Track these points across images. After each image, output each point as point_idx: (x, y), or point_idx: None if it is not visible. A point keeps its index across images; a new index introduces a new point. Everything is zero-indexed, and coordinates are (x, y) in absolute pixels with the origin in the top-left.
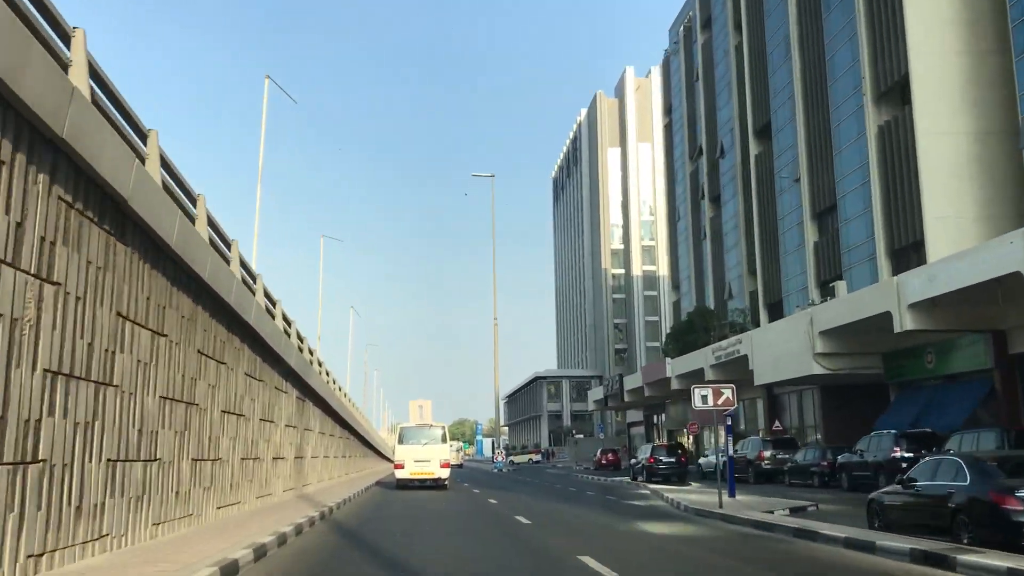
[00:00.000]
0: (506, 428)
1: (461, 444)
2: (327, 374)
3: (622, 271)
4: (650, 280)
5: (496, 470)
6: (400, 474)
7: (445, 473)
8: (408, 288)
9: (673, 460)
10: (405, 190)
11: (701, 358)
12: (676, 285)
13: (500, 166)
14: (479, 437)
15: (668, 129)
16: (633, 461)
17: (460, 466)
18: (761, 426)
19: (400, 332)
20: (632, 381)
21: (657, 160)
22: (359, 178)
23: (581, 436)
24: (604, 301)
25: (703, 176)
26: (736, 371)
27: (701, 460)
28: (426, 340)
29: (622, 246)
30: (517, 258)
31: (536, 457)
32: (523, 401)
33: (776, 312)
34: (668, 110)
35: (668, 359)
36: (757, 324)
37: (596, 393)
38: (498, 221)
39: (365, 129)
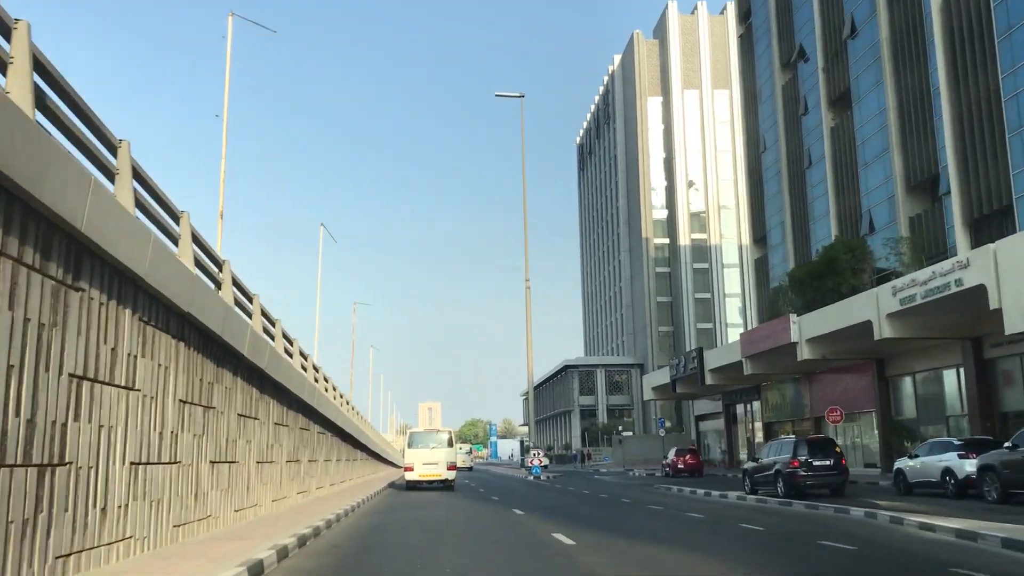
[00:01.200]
0: (526, 428)
1: (471, 446)
2: (340, 396)
3: (666, 240)
4: (700, 251)
5: (533, 477)
6: (410, 476)
7: (452, 475)
8: (416, 287)
9: (830, 463)
10: (408, 186)
11: (866, 306)
12: (760, 238)
13: (512, 141)
14: (493, 439)
15: (746, 38)
16: (750, 465)
17: (470, 469)
18: (959, 409)
19: (408, 333)
20: (717, 357)
21: (710, 109)
22: (362, 167)
23: (629, 434)
24: (645, 276)
25: (806, 83)
26: (943, 318)
27: (905, 464)
28: (435, 341)
29: (666, 212)
30: (535, 242)
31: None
32: (548, 396)
33: (993, 226)
34: (745, 16)
35: (793, 316)
36: (934, 257)
37: (655, 378)
38: (511, 200)
39: (371, 104)
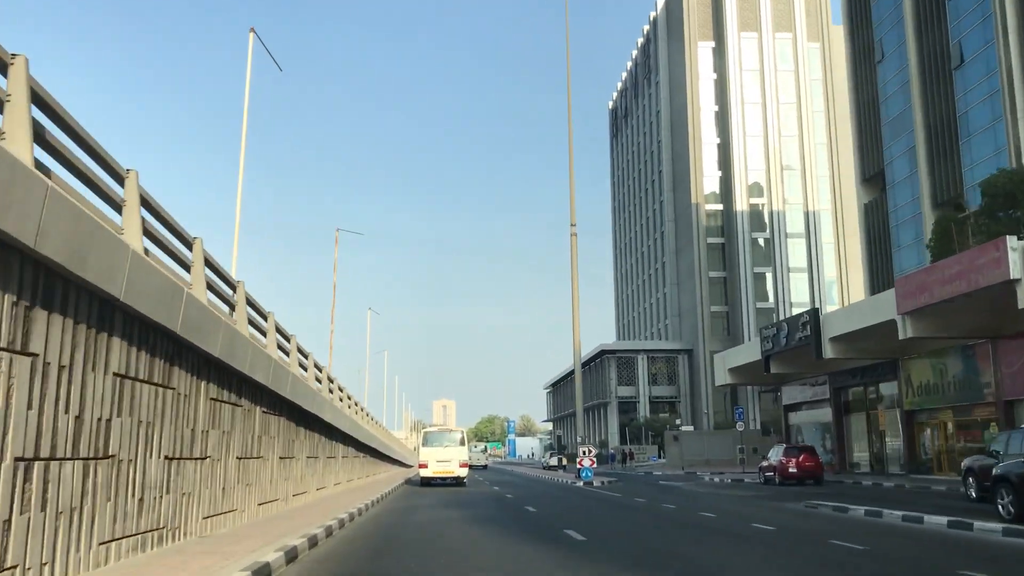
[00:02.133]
0: (549, 424)
1: (487, 444)
2: (355, 404)
3: (719, 207)
4: (759, 219)
5: (584, 482)
6: (424, 472)
7: (464, 472)
8: (430, 284)
9: None
10: (417, 184)
11: None
12: (871, 175)
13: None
14: (511, 436)
15: None
16: (980, 465)
17: (485, 467)
18: None
19: (423, 329)
20: (845, 319)
21: (771, 54)
22: (372, 164)
23: (690, 428)
24: (695, 249)
25: None
26: None
27: None
28: (450, 337)
29: (719, 174)
30: (557, 221)
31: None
32: (574, 388)
33: None
34: None
35: (1011, 240)
36: None
37: (735, 357)
38: (530, 183)
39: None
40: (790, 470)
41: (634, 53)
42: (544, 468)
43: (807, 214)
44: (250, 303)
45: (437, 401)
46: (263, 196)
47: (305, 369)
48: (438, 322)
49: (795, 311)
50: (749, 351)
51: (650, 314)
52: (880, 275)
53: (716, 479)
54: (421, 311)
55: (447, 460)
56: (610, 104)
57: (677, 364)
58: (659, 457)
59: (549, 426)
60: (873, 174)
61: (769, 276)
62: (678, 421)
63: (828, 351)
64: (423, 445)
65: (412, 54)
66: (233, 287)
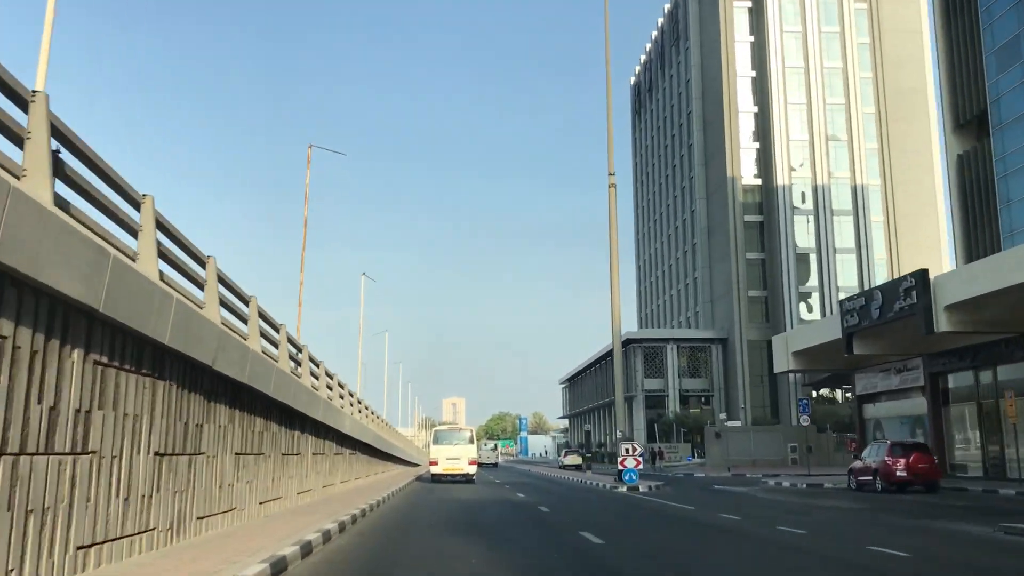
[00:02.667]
0: (564, 422)
1: (497, 442)
2: (365, 408)
3: (757, 181)
4: (801, 195)
5: (627, 487)
6: (435, 469)
7: (472, 469)
8: (441, 282)
9: None
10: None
11: None
12: (967, 119)
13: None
14: (523, 434)
15: None
16: None
17: (495, 465)
18: None
19: (432, 326)
20: (969, 281)
21: (814, 13)
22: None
23: (737, 423)
24: (731, 227)
25: None
26: None
27: None
28: (460, 335)
29: (757, 145)
30: (569, 204)
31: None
32: (593, 382)
33: None
34: None
35: None
36: None
37: (800, 338)
38: (547, 162)
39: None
40: (898, 473)
41: (660, 21)
42: (561, 467)
43: (854, 189)
44: (263, 316)
45: (447, 399)
46: (265, 193)
47: (316, 378)
48: (447, 319)
49: (842, 296)
50: (820, 330)
51: (678, 302)
52: (981, 238)
53: (785, 483)
54: (431, 308)
55: (456, 458)
56: (632, 79)
57: (710, 354)
58: (693, 456)
59: (564, 424)
60: (969, 119)
61: (813, 257)
62: (722, 416)
63: (943, 323)
64: (433, 443)
65: (423, 51)
66: (246, 301)
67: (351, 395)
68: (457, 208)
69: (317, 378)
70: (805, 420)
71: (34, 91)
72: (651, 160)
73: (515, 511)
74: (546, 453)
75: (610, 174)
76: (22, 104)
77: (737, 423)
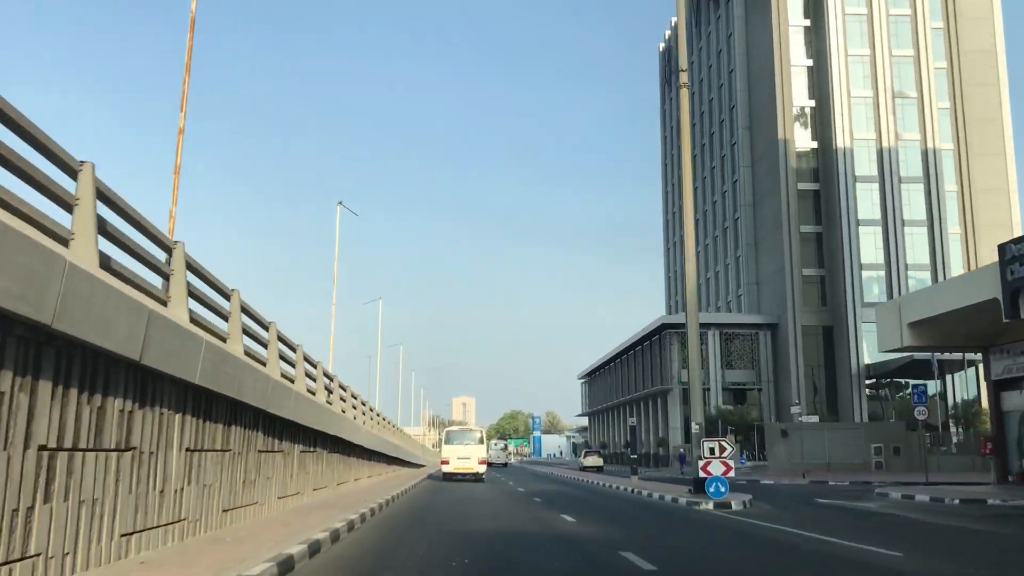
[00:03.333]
0: (582, 420)
1: (507, 442)
2: (371, 411)
3: (813, 144)
4: (864, 160)
5: (716, 501)
6: (446, 468)
7: (482, 468)
8: (447, 280)
9: None
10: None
11: None
12: None
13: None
14: (537, 433)
15: None
16: None
17: (505, 465)
18: None
19: (441, 326)
20: None
21: None
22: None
23: (814, 419)
24: (783, 196)
25: None
26: None
27: None
28: (469, 333)
29: (812, 103)
30: (578, 193)
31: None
32: (617, 375)
33: None
34: None
35: None
36: None
37: (928, 302)
38: (562, 163)
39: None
40: None
41: None
42: (581, 469)
43: (925, 154)
44: (281, 339)
45: (457, 398)
46: (265, 195)
47: (330, 392)
48: (457, 318)
49: (911, 275)
50: (955, 291)
51: (716, 285)
52: None
53: (922, 497)
54: (440, 307)
55: (467, 457)
56: (660, 46)
57: (758, 342)
58: (747, 459)
59: (582, 421)
60: None
61: (878, 231)
62: (794, 409)
63: None
64: (445, 443)
65: (434, 47)
66: (265, 327)
67: (363, 403)
68: (467, 206)
69: (331, 392)
70: (921, 412)
71: (82, 161)
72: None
73: (587, 563)
74: (561, 453)
75: (681, 70)
76: (71, 174)
77: (814, 418)
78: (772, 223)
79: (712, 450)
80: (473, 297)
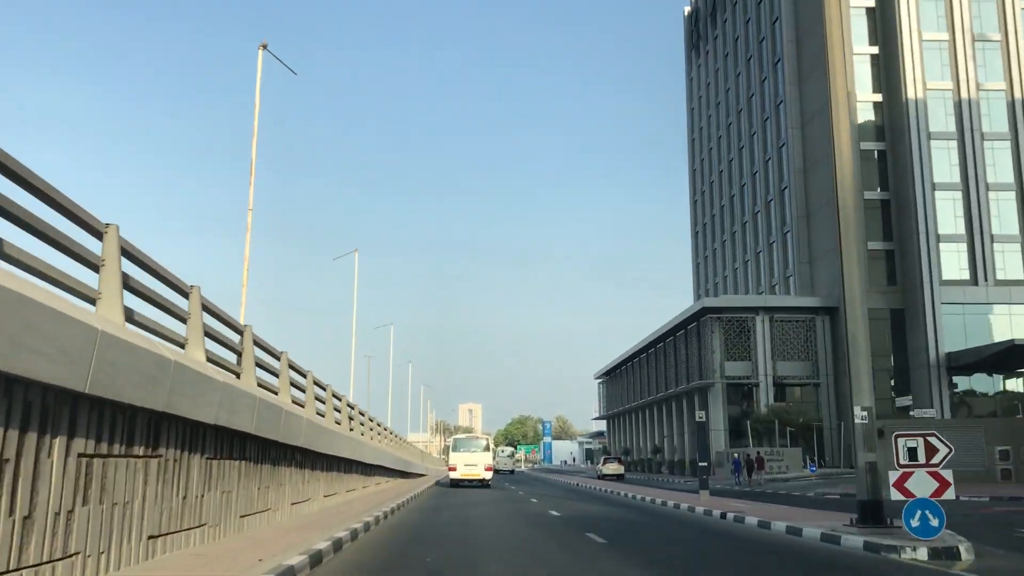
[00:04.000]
0: (599, 424)
1: (515, 449)
2: (379, 425)
3: (876, 97)
4: (938, 114)
5: (932, 545)
6: (454, 475)
7: (488, 475)
8: (454, 290)
9: None
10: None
11: None
12: None
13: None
14: (547, 439)
15: None
16: None
17: (511, 472)
18: None
19: (445, 333)
20: None
21: None
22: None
23: (929, 412)
24: (842, 157)
25: None
26: None
27: None
28: (474, 340)
29: (874, 50)
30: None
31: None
32: (647, 372)
33: None
34: None
35: None
36: None
37: None
38: (551, 171)
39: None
40: None
41: None
42: (600, 477)
43: (1012, 105)
44: (293, 367)
45: (463, 404)
46: (274, 196)
47: (339, 411)
48: (463, 325)
49: (997, 247)
50: None
51: (756, 268)
52: None
53: None
54: (445, 315)
55: (473, 464)
56: (686, 9)
57: (814, 329)
58: (817, 466)
59: (598, 426)
60: None
61: (957, 196)
62: (906, 400)
63: None
64: (452, 451)
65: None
66: (277, 356)
67: (371, 420)
68: (471, 214)
69: (340, 411)
70: None
71: (107, 224)
72: (715, 98)
73: None
74: (574, 460)
75: None
76: (97, 235)
77: (930, 412)
78: (827, 191)
79: (912, 452)
80: (478, 304)
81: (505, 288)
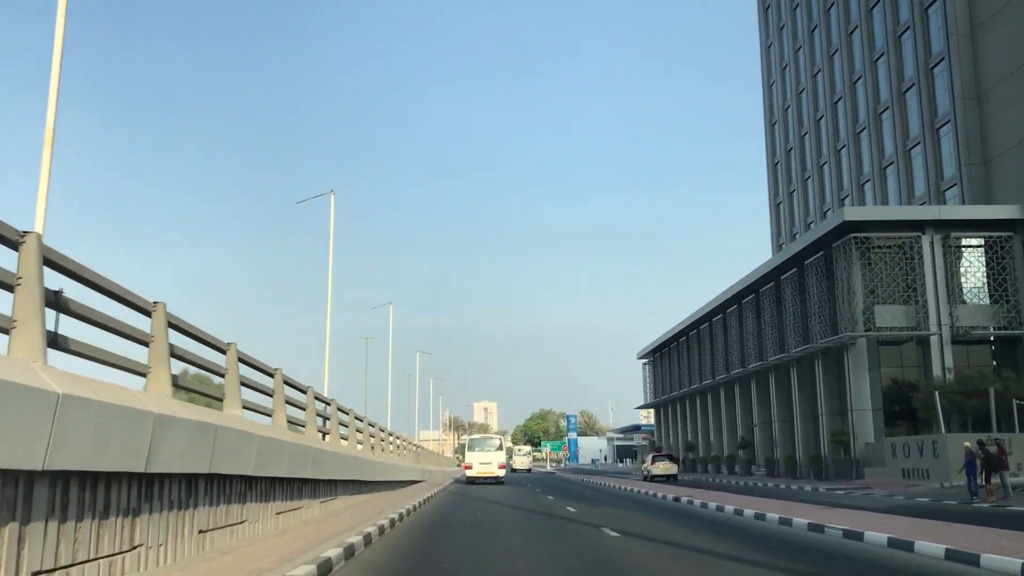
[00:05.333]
0: (645, 415)
1: (531, 448)
2: (389, 435)
3: None
4: None
5: None
6: (470, 473)
7: (502, 472)
8: (470, 285)
9: None
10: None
11: None
12: None
13: None
14: (572, 435)
15: None
16: None
17: (528, 471)
18: None
19: (458, 330)
20: None
21: None
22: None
23: None
24: None
25: None
26: None
27: None
28: (492, 338)
29: None
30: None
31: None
32: (727, 336)
33: None
34: None
35: None
36: None
37: None
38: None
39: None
40: None
41: None
42: (649, 479)
43: None
44: (318, 398)
45: (478, 403)
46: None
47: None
48: (477, 322)
49: None
50: None
51: (901, 175)
52: None
53: None
54: (459, 312)
55: (488, 463)
56: None
57: (1013, 253)
58: None
59: (624, 420)
60: None
61: None
62: None
63: None
64: (468, 450)
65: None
66: (303, 390)
67: (381, 431)
68: (480, 213)
69: (373, 436)
70: None
71: (155, 302)
72: (801, 34)
73: None
74: (605, 459)
75: None
76: (146, 312)
77: None
78: (1005, 61)
79: None
80: (493, 300)
81: (518, 277)
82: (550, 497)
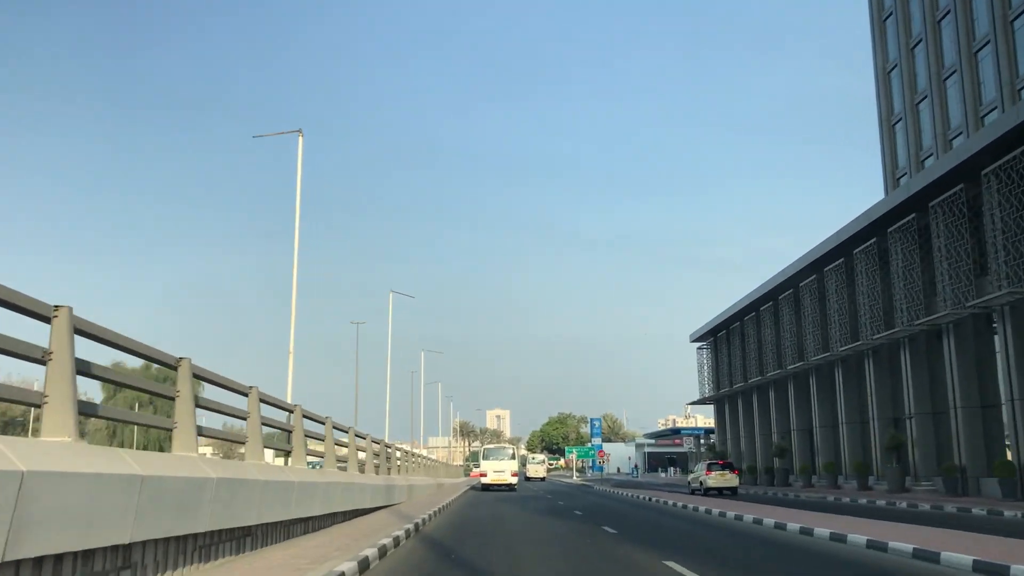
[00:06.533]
0: (706, 412)
1: (544, 457)
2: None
3: None
4: None
5: None
6: (484, 480)
7: (514, 479)
8: (483, 292)
9: None
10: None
11: None
12: None
13: None
14: (596, 440)
15: None
16: None
17: (542, 479)
18: None
19: (476, 338)
20: None
21: None
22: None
23: None
24: None
25: None
26: None
27: None
28: (505, 345)
29: None
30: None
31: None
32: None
33: None
34: None
35: None
36: None
37: None
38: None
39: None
40: None
41: None
42: (696, 492)
43: None
44: (337, 427)
45: (491, 411)
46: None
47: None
48: (490, 330)
49: None
50: None
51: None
52: None
53: None
54: (471, 319)
55: (501, 471)
56: None
57: None
58: None
59: (656, 425)
60: None
61: None
62: None
63: None
64: (483, 459)
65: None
66: (320, 422)
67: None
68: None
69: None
70: None
71: (179, 358)
72: None
73: None
74: (635, 468)
75: None
76: (172, 367)
77: None
78: None
79: None
80: (506, 308)
81: (533, 294)
82: (619, 547)
